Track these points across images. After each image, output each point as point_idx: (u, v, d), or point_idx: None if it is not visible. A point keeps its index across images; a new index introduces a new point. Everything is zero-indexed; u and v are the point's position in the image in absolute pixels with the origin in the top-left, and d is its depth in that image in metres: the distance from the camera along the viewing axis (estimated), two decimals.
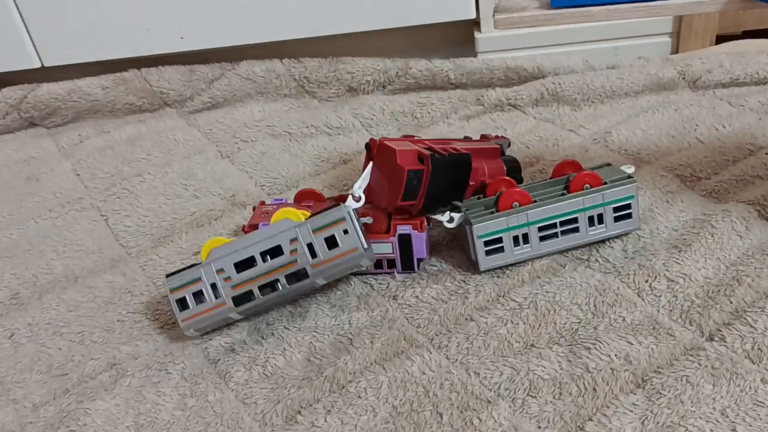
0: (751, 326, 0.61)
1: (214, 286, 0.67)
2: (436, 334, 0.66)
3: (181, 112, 1.14)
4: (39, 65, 1.13)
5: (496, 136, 0.87)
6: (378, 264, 0.73)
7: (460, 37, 1.19)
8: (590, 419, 0.56)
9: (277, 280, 0.66)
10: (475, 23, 1.14)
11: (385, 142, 0.71)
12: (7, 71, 1.14)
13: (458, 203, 0.73)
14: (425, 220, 0.72)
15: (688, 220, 0.75)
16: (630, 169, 0.74)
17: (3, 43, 1.10)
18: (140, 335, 0.71)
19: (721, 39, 1.16)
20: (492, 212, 0.71)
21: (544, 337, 0.64)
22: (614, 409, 0.56)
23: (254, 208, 0.79)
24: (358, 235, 0.65)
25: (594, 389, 0.58)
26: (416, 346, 0.65)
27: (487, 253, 0.71)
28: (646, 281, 0.68)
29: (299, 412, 0.60)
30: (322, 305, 0.71)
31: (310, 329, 0.69)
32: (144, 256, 0.82)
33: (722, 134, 0.90)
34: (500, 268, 0.72)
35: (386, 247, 0.72)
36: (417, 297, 0.71)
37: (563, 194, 0.71)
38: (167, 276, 0.68)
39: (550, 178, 0.76)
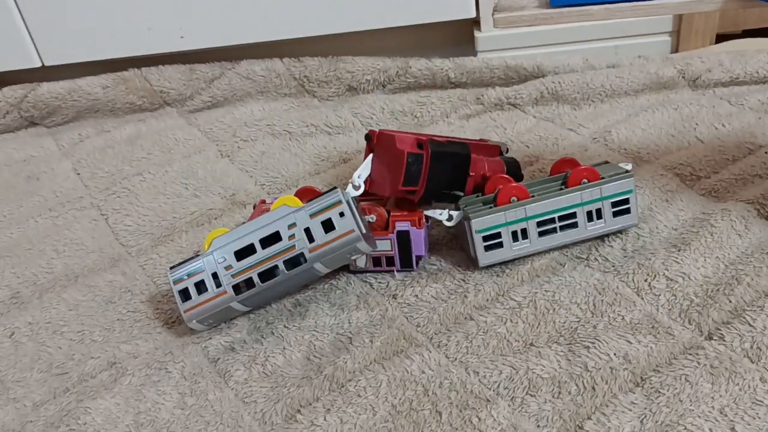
0: (750, 325, 0.61)
1: (215, 275, 0.67)
2: (435, 333, 0.66)
3: (181, 111, 1.14)
4: (39, 64, 1.13)
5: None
6: (377, 262, 0.73)
7: (460, 36, 1.19)
8: (589, 418, 0.56)
9: (277, 266, 0.67)
10: (475, 22, 1.14)
11: (385, 132, 0.72)
12: (7, 70, 1.14)
13: (459, 193, 0.73)
14: (424, 217, 0.72)
15: (688, 219, 0.75)
16: (628, 167, 0.74)
17: (3, 43, 1.11)
18: (140, 334, 0.71)
19: (721, 38, 1.16)
20: (490, 208, 0.71)
21: (544, 336, 0.64)
22: (613, 408, 0.56)
23: (254, 207, 0.79)
24: (355, 218, 0.65)
25: (593, 388, 0.58)
26: (416, 345, 0.65)
27: (486, 248, 0.71)
28: (646, 280, 0.68)
29: (299, 410, 0.60)
30: (321, 304, 0.71)
31: (309, 328, 0.69)
32: (144, 255, 0.83)
33: (722, 133, 0.90)
34: (500, 265, 0.73)
35: (385, 244, 0.72)
36: (416, 296, 0.71)
37: (561, 189, 0.72)
38: (171, 268, 0.69)
39: (549, 176, 0.76)
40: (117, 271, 0.80)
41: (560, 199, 0.71)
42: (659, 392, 0.57)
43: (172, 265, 0.70)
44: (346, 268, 0.75)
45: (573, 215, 0.71)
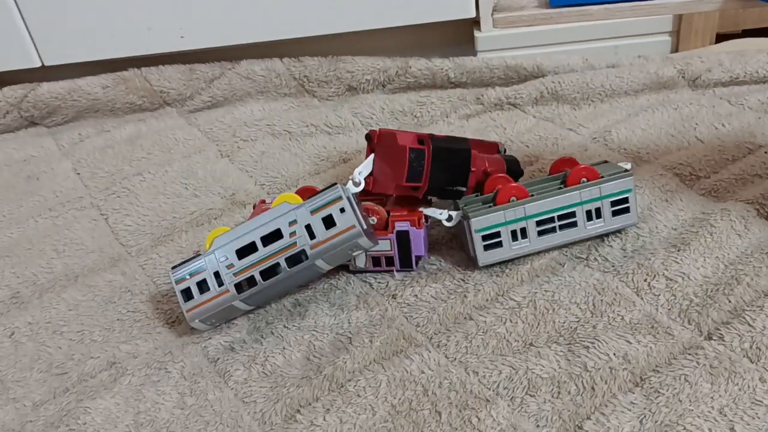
0: (750, 325, 0.61)
1: (217, 274, 0.67)
2: (435, 333, 0.66)
3: (181, 111, 1.14)
4: (39, 64, 1.13)
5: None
6: (376, 262, 0.73)
7: (459, 36, 1.19)
8: (588, 418, 0.56)
9: (278, 264, 0.67)
10: (475, 22, 1.14)
11: (385, 130, 0.73)
12: (7, 70, 1.14)
13: (462, 189, 0.73)
14: (423, 216, 0.72)
15: (687, 219, 0.75)
16: (627, 166, 0.74)
17: (3, 43, 1.11)
18: (140, 334, 0.71)
19: (720, 38, 1.16)
20: (490, 207, 0.71)
21: (543, 336, 0.64)
22: (612, 408, 0.56)
23: (254, 207, 0.79)
24: (356, 214, 0.65)
25: (592, 388, 0.58)
26: (415, 345, 0.65)
27: (486, 248, 0.71)
28: (645, 280, 0.68)
29: (298, 410, 0.60)
30: (321, 304, 0.72)
31: (309, 328, 0.69)
32: (144, 255, 0.83)
33: (722, 133, 0.90)
34: (499, 265, 0.73)
35: (384, 244, 0.72)
36: (416, 296, 0.71)
37: (560, 188, 0.72)
38: (172, 268, 0.69)
39: (548, 176, 0.76)
40: (117, 271, 0.80)
41: (559, 198, 0.71)
42: (659, 392, 0.57)
43: (173, 264, 0.70)
44: (346, 268, 0.75)
45: (572, 214, 0.71)
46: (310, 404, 0.61)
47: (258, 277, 0.67)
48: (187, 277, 0.68)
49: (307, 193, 0.79)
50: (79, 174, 1.01)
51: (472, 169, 0.74)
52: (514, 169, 0.80)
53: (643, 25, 1.13)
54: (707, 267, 0.68)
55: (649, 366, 0.60)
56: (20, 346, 0.72)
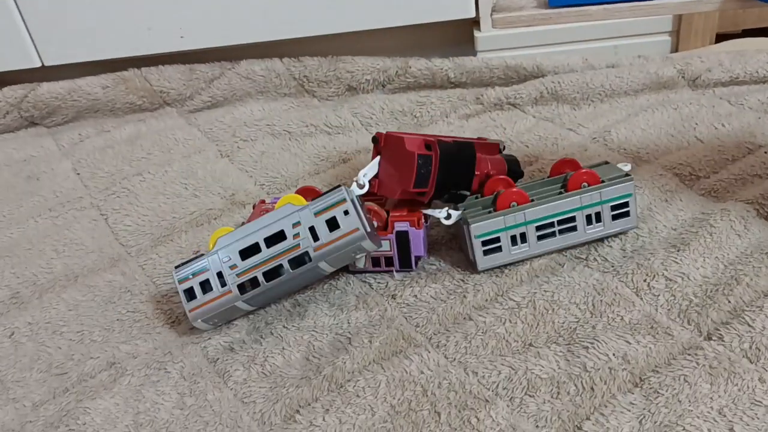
0: (749, 325, 0.61)
1: (220, 274, 0.67)
2: (434, 334, 0.66)
3: (181, 111, 1.14)
4: (39, 64, 1.14)
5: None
6: (376, 262, 0.73)
7: (459, 36, 1.19)
8: (588, 418, 0.56)
9: (281, 266, 0.67)
10: (475, 22, 1.14)
11: (392, 134, 0.72)
12: (7, 70, 1.14)
13: (466, 192, 0.73)
14: (423, 217, 0.72)
15: (687, 219, 0.75)
16: (627, 167, 0.74)
17: (3, 43, 1.11)
18: (139, 334, 0.71)
19: (720, 38, 1.16)
20: (489, 212, 0.71)
21: (543, 337, 0.64)
22: (612, 409, 0.56)
23: (254, 207, 0.79)
24: (359, 216, 0.65)
25: (592, 388, 0.58)
26: (414, 346, 0.65)
27: (485, 252, 0.71)
28: (645, 280, 0.68)
29: (298, 411, 0.60)
30: (320, 304, 0.72)
31: (308, 328, 0.69)
32: (144, 255, 0.83)
33: (721, 133, 0.90)
34: (498, 267, 0.73)
35: (384, 245, 0.72)
36: (416, 296, 0.71)
37: (561, 193, 0.71)
38: (175, 267, 0.69)
39: (548, 177, 0.76)
40: (117, 271, 0.80)
41: (560, 203, 0.70)
42: (658, 393, 0.57)
43: (175, 264, 0.70)
44: (346, 269, 0.75)
45: (572, 219, 0.71)
46: (309, 404, 0.61)
47: (261, 278, 0.67)
48: (190, 276, 0.68)
49: (307, 192, 0.79)
50: (79, 174, 1.01)
51: (476, 172, 0.74)
52: (514, 169, 0.80)
53: (643, 25, 1.13)
54: (707, 267, 0.68)
55: (649, 366, 0.60)
56: (20, 346, 0.72)
